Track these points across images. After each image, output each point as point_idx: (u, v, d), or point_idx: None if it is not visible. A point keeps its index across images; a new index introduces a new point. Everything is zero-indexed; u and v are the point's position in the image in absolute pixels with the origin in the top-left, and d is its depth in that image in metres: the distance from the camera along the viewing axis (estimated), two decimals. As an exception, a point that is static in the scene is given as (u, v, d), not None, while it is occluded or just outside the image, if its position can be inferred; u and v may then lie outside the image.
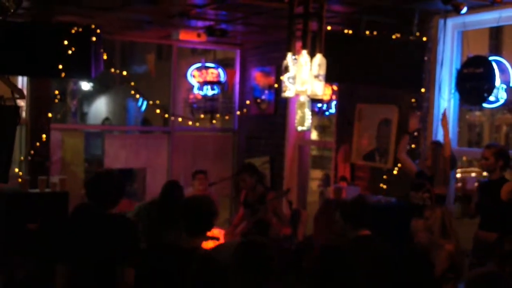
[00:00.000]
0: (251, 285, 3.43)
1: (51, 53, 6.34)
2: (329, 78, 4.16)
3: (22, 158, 7.82)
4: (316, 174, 14.30)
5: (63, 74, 6.41)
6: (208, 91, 9.59)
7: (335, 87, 8.06)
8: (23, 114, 7.78)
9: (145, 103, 9.69)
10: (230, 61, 10.39)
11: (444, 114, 5.92)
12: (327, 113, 8.63)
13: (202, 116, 9.67)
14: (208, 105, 9.62)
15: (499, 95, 5.89)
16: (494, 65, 5.86)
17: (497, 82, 5.82)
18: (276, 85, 8.80)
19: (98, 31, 6.57)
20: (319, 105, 8.41)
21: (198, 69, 9.63)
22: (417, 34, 6.42)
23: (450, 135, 5.90)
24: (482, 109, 11.43)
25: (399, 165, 6.59)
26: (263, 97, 9.24)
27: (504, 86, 5.89)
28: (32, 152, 7.69)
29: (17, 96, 5.21)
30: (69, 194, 7.04)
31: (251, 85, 9.53)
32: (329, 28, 6.09)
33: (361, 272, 3.90)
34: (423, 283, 3.86)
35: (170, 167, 9.34)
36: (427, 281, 3.90)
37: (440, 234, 4.70)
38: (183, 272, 3.61)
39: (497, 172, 5.33)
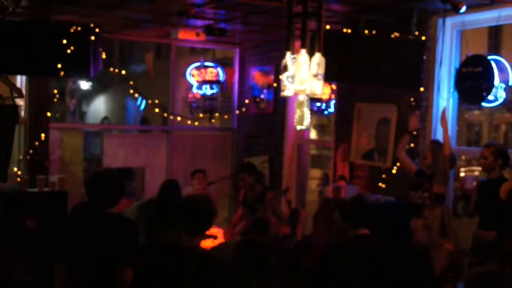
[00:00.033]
0: (250, 284, 3.43)
1: (50, 52, 6.32)
2: (328, 77, 4.16)
3: (21, 157, 7.81)
4: (315, 173, 14.30)
5: (62, 73, 6.40)
6: (207, 90, 9.57)
7: (334, 86, 8.06)
8: (22, 113, 7.78)
9: (144, 102, 9.69)
10: (229, 60, 10.38)
11: (443, 113, 5.92)
12: (326, 112, 8.63)
13: (201, 115, 9.65)
14: (207, 104, 9.59)
15: (498, 94, 5.89)
16: (493, 64, 5.85)
17: (496, 81, 5.82)
18: (275, 84, 8.80)
19: (97, 30, 6.56)
20: (318, 104, 8.41)
21: (197, 68, 9.62)
22: (416, 33, 6.42)
23: (449, 134, 5.91)
24: (481, 108, 11.43)
25: (398, 164, 6.60)
26: (262, 96, 9.24)
27: (503, 85, 5.89)
28: (31, 151, 7.68)
29: (15, 95, 5.20)
30: (68, 193, 7.03)
31: (250, 84, 9.52)
32: (328, 27, 6.08)
33: (360, 271, 3.90)
34: (423, 282, 3.87)
35: (169, 166, 9.34)
36: (427, 280, 3.90)
37: (439, 233, 4.70)
38: (182, 271, 3.61)
39: (496, 171, 5.33)
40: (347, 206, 4.67)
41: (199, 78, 9.59)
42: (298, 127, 4.20)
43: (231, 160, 9.93)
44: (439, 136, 6.27)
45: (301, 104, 4.12)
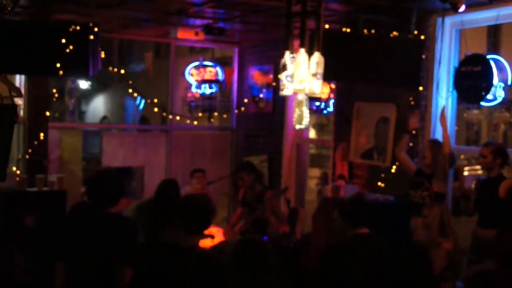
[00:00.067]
0: (249, 283, 3.43)
1: (49, 52, 6.32)
2: (327, 77, 4.17)
3: (20, 156, 7.80)
4: (314, 172, 14.28)
5: (60, 73, 6.40)
6: (206, 89, 9.56)
7: (333, 86, 8.06)
8: (21, 112, 7.77)
9: (143, 101, 9.67)
10: (228, 60, 10.38)
11: (442, 112, 5.92)
12: (325, 111, 8.62)
13: (200, 114, 9.64)
14: (206, 104, 9.58)
15: (497, 93, 5.89)
16: (492, 63, 5.85)
17: (495, 80, 5.82)
18: (274, 84, 8.80)
19: (96, 29, 6.56)
20: (317, 103, 8.40)
21: (196, 67, 9.61)
22: (415, 32, 6.43)
23: (448, 133, 5.91)
24: (480, 107, 11.41)
25: (396, 163, 6.60)
26: (261, 95, 9.24)
27: (502, 85, 5.89)
28: (30, 150, 7.68)
29: (14, 94, 5.19)
30: (67, 192, 7.03)
31: (249, 83, 9.52)
32: (327, 26, 6.08)
33: (360, 271, 3.91)
34: (422, 281, 3.87)
35: (168, 165, 9.34)
36: (426, 279, 3.91)
37: (439, 232, 4.71)
38: (182, 271, 3.61)
39: (496, 170, 5.34)
40: (346, 205, 4.66)
41: (198, 78, 9.58)
42: (297, 126, 4.21)
43: (230, 159, 9.93)
44: (438, 135, 6.28)
45: (300, 103, 4.12)
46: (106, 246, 3.88)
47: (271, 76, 8.94)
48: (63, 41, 6.33)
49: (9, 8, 4.67)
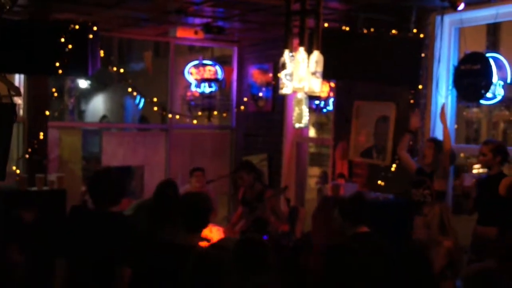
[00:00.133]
0: (248, 282, 3.43)
1: (48, 51, 6.32)
2: (327, 75, 4.15)
3: (19, 156, 7.80)
4: (314, 171, 14.28)
5: (60, 72, 6.39)
6: (206, 88, 9.56)
7: (332, 84, 8.06)
8: (21, 112, 7.77)
9: (142, 100, 9.67)
10: (228, 59, 10.37)
11: (442, 109, 5.92)
12: (324, 110, 8.62)
13: (199, 113, 9.64)
14: (206, 103, 9.58)
15: (497, 91, 5.89)
16: (491, 61, 5.85)
17: (495, 78, 5.82)
18: (273, 82, 8.80)
19: (95, 28, 6.55)
20: (317, 102, 8.40)
21: (196, 66, 9.60)
22: (415, 31, 6.42)
23: (448, 130, 5.90)
24: (479, 105, 11.42)
25: (396, 161, 6.60)
26: (261, 94, 9.24)
27: (501, 83, 5.89)
28: (29, 150, 7.67)
29: (13, 93, 5.19)
30: (67, 191, 7.03)
31: (249, 82, 9.52)
32: (326, 25, 6.08)
33: (360, 269, 3.91)
34: (422, 280, 3.87)
35: (168, 164, 9.34)
36: (426, 278, 3.91)
37: (439, 231, 4.70)
38: (181, 270, 3.61)
39: (495, 168, 5.34)
40: (346, 204, 4.67)
41: (197, 76, 9.58)
42: (297, 125, 4.20)
43: (229, 158, 9.93)
44: (437, 133, 6.28)
45: (299, 102, 4.11)
46: (105, 245, 3.88)
47: (271, 74, 8.94)
48: (62, 40, 6.33)
49: (8, 7, 4.67)
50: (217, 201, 8.05)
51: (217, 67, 9.63)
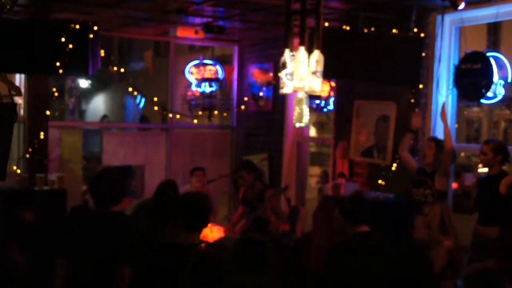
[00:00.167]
0: (249, 282, 3.43)
1: (49, 51, 6.32)
2: (327, 75, 4.15)
3: (20, 156, 7.80)
4: (315, 171, 14.28)
5: (60, 71, 6.39)
6: (206, 88, 9.56)
7: (333, 84, 8.05)
8: (21, 111, 7.77)
9: (143, 100, 9.67)
10: (228, 58, 10.37)
11: (443, 108, 5.92)
12: (325, 109, 8.62)
13: (200, 113, 9.64)
14: (206, 102, 9.57)
15: (497, 91, 5.89)
16: (492, 61, 5.85)
17: (495, 78, 5.81)
18: (274, 82, 8.79)
19: (96, 28, 6.55)
20: (317, 101, 8.40)
21: (196, 66, 9.60)
22: (415, 30, 6.42)
23: (449, 129, 5.90)
24: (480, 105, 11.42)
25: (397, 161, 6.59)
26: (261, 94, 9.24)
27: (502, 82, 5.88)
28: (30, 149, 7.67)
29: (14, 93, 5.19)
30: (68, 191, 7.03)
31: (249, 82, 9.52)
32: (326, 24, 6.07)
33: (360, 269, 3.90)
34: (422, 279, 3.87)
35: (168, 164, 9.34)
36: (426, 278, 3.90)
37: (439, 230, 4.70)
38: (182, 269, 3.61)
39: (496, 167, 5.34)
40: (346, 203, 4.67)
41: (198, 76, 9.58)
42: (297, 125, 4.20)
43: (230, 158, 9.93)
44: (438, 133, 6.28)
45: (300, 102, 4.11)
46: (106, 245, 3.88)
47: (271, 74, 8.94)
48: (63, 40, 6.33)
49: (8, 7, 4.67)
50: (217, 201, 8.05)
51: (218, 67, 9.63)
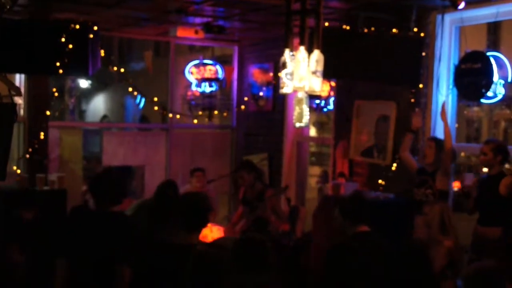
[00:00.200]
0: (249, 282, 3.43)
1: (49, 51, 6.32)
2: (327, 74, 4.15)
3: (20, 156, 7.80)
4: (315, 170, 14.28)
5: (60, 72, 6.39)
6: (206, 88, 9.56)
7: (333, 84, 8.05)
8: (21, 112, 7.77)
9: (143, 100, 9.67)
10: (228, 58, 10.37)
11: (443, 107, 5.91)
12: (325, 109, 8.62)
13: (200, 113, 9.64)
14: (206, 102, 9.58)
15: (497, 90, 5.88)
16: (492, 60, 5.84)
17: (495, 77, 5.81)
18: (274, 82, 8.79)
19: (96, 28, 6.55)
20: (317, 101, 8.40)
21: (196, 66, 9.60)
22: (415, 30, 6.42)
23: (449, 128, 5.90)
24: (480, 104, 11.40)
25: (397, 161, 6.59)
26: (261, 93, 9.24)
27: (502, 82, 5.88)
28: (30, 150, 7.67)
29: (14, 93, 5.20)
30: (68, 191, 7.02)
31: (249, 81, 9.52)
32: (326, 24, 6.08)
33: (360, 268, 3.90)
34: (422, 279, 3.86)
35: (168, 164, 9.34)
36: (426, 277, 3.90)
37: (439, 230, 4.69)
38: (182, 269, 3.61)
39: (496, 167, 5.33)
40: (346, 203, 4.66)
41: (198, 76, 9.58)
42: (297, 125, 4.20)
43: (230, 158, 9.93)
44: (438, 133, 6.27)
45: (300, 101, 4.11)
46: (106, 245, 3.88)
47: (271, 74, 8.94)
48: (63, 40, 6.33)
49: (8, 7, 4.67)
50: (217, 201, 8.05)
51: (218, 67, 9.63)
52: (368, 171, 7.25)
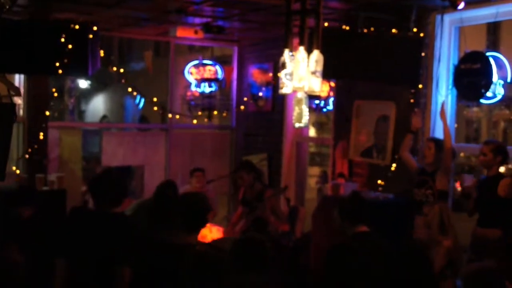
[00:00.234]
0: (248, 282, 3.43)
1: (48, 51, 6.31)
2: (327, 75, 4.15)
3: (19, 156, 7.80)
4: (314, 171, 14.30)
5: (60, 72, 6.39)
6: (206, 88, 9.56)
7: (332, 84, 8.05)
8: (21, 112, 7.77)
9: (142, 100, 9.67)
10: (228, 58, 10.37)
11: (442, 106, 5.92)
12: (324, 109, 8.62)
13: (199, 113, 9.65)
14: (206, 102, 9.58)
15: (497, 90, 5.88)
16: (492, 60, 5.84)
17: (495, 77, 5.81)
18: (273, 82, 8.79)
19: (95, 28, 6.55)
20: (317, 101, 8.40)
21: (196, 66, 9.61)
22: (415, 30, 6.42)
23: (449, 128, 5.90)
24: (479, 105, 11.43)
25: (396, 161, 6.59)
26: (261, 94, 9.24)
27: (502, 82, 5.88)
28: (29, 150, 7.67)
29: (13, 93, 5.20)
30: (67, 191, 7.03)
31: (249, 82, 9.52)
32: (326, 24, 6.08)
33: (360, 269, 3.90)
34: (422, 279, 3.86)
35: (168, 164, 9.34)
36: (425, 277, 3.90)
37: (439, 230, 4.71)
38: (181, 269, 3.61)
39: (495, 168, 5.33)
40: (345, 203, 4.67)
41: (197, 76, 9.59)
42: (297, 125, 4.20)
43: (229, 158, 9.93)
44: (438, 133, 6.27)
45: (299, 102, 4.11)
46: (106, 245, 3.88)
47: (271, 74, 8.94)
48: (63, 40, 6.33)
49: (7, 7, 4.67)
50: (217, 201, 8.05)
51: (217, 67, 9.63)
52: (368, 171, 7.25)
